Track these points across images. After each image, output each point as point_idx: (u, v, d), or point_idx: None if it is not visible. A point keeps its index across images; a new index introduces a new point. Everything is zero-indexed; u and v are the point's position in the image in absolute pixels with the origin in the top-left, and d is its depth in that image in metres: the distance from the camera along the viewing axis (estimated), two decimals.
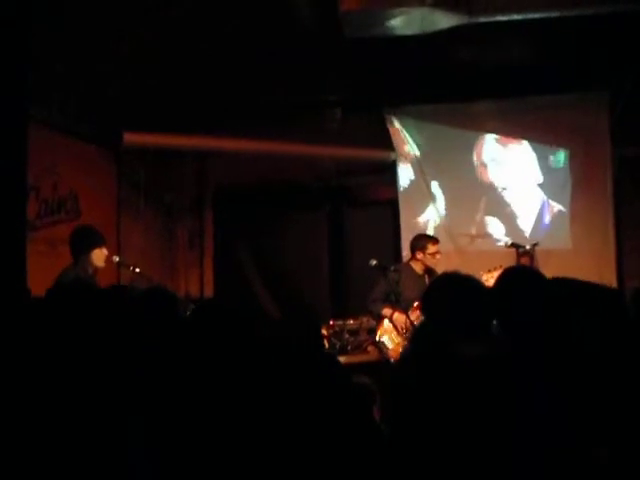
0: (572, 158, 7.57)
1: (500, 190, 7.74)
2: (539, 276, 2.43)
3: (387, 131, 7.87)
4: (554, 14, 5.85)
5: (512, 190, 7.73)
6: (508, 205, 7.72)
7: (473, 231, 7.73)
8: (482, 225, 7.75)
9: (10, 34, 4.03)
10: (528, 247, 6.48)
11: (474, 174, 7.81)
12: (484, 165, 7.79)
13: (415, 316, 5.23)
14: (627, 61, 6.80)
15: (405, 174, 7.93)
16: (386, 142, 7.88)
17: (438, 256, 5.82)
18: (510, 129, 7.73)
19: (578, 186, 7.53)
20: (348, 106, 7.79)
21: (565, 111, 7.47)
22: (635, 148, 7.44)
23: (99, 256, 4.73)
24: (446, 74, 7.50)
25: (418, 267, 5.83)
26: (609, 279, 6.84)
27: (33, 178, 5.54)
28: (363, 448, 2.35)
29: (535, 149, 7.67)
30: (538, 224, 7.62)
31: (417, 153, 7.87)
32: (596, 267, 7.11)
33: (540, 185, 7.66)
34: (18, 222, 4.11)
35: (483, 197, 7.74)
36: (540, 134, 7.64)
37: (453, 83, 7.47)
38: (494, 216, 7.74)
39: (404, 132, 7.89)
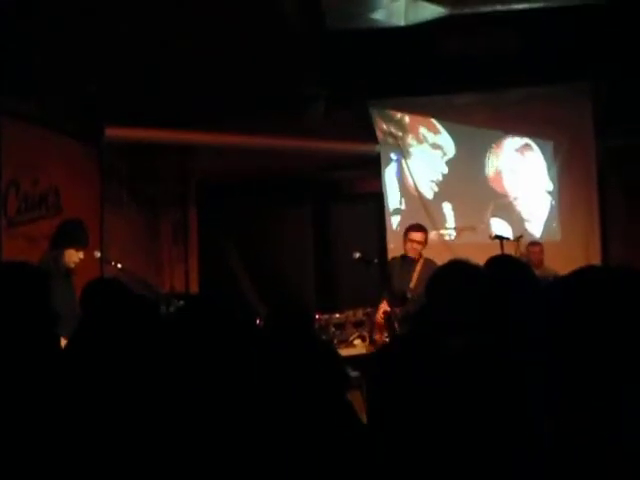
0: (557, 150, 7.60)
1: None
2: (522, 265, 2.49)
3: (371, 124, 7.85)
4: (537, 5, 5.86)
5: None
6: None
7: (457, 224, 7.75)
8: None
9: None
10: (512, 239, 6.49)
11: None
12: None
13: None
14: (610, 52, 6.82)
15: (389, 167, 7.92)
16: (370, 135, 7.86)
17: (416, 245, 5.54)
18: (494, 122, 7.72)
19: (564, 178, 7.57)
20: (332, 99, 7.76)
21: (549, 103, 7.48)
22: (618, 139, 7.49)
23: (71, 256, 4.65)
24: (430, 66, 7.49)
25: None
26: None
27: (13, 173, 5.47)
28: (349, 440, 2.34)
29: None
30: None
31: (401, 146, 7.85)
32: (584, 255, 7.17)
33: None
34: None
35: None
36: (524, 126, 7.66)
37: (437, 75, 7.47)
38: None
39: (388, 125, 7.87)
